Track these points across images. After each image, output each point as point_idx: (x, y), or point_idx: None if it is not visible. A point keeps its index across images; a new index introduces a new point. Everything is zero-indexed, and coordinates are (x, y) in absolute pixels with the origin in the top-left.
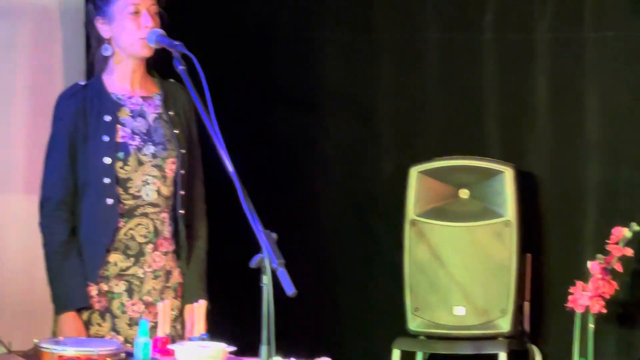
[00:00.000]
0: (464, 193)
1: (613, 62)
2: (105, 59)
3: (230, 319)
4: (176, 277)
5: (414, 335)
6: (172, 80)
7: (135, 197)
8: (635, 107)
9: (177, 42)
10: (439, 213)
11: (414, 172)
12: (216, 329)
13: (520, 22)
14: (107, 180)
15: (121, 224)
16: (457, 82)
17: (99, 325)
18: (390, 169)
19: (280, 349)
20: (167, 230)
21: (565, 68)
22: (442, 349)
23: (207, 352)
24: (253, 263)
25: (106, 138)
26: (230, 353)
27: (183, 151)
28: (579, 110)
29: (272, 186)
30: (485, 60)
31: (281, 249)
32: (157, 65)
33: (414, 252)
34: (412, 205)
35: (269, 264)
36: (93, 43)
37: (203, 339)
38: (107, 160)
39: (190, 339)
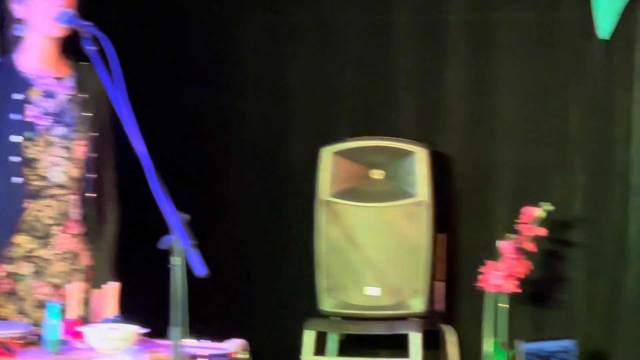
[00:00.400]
0: (377, 173)
1: (527, 44)
2: (18, 39)
3: (142, 301)
4: (85, 259)
5: (327, 316)
6: (84, 62)
7: (42, 178)
8: (548, 89)
9: (87, 23)
10: (352, 193)
11: (327, 153)
12: (127, 311)
13: (435, 3)
14: (14, 159)
15: (28, 204)
16: (371, 63)
17: (5, 307)
18: (304, 149)
19: (192, 331)
20: (75, 213)
21: (479, 49)
22: (355, 329)
23: (118, 334)
24: (163, 244)
25: (15, 116)
26: (142, 335)
27: (94, 134)
28: (492, 91)
29: (185, 167)
30: (399, 41)
31: (194, 230)
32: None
33: (327, 233)
34: (325, 185)
35: (179, 245)
36: (6, 22)
37: (114, 321)
38: (16, 138)
39: (101, 321)
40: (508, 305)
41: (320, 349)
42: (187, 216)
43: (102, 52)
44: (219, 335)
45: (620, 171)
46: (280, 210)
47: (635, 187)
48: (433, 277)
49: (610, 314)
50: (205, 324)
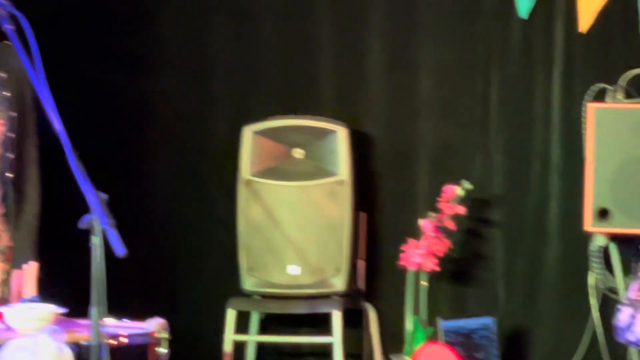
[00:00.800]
0: (298, 152)
1: (447, 23)
2: None
3: (62, 281)
4: (5, 240)
5: (249, 295)
6: (5, 41)
7: None
8: (467, 67)
9: (4, 2)
10: (273, 173)
11: (248, 132)
12: (47, 292)
13: None
14: None
15: None
16: (291, 42)
17: None
18: (225, 128)
19: (113, 310)
20: None
21: (399, 28)
22: (276, 308)
23: (36, 314)
24: (82, 224)
25: None
26: (61, 315)
27: (13, 114)
28: (412, 70)
29: (106, 146)
30: (320, 21)
31: (115, 210)
32: None
33: (249, 212)
34: (246, 165)
35: (99, 224)
36: None
37: (33, 301)
38: None
39: (20, 302)
40: (428, 284)
41: (243, 327)
42: (105, 196)
43: (20, 31)
44: (140, 314)
45: (540, 150)
46: (203, 189)
47: (555, 166)
48: (354, 256)
49: (529, 292)
50: (126, 304)
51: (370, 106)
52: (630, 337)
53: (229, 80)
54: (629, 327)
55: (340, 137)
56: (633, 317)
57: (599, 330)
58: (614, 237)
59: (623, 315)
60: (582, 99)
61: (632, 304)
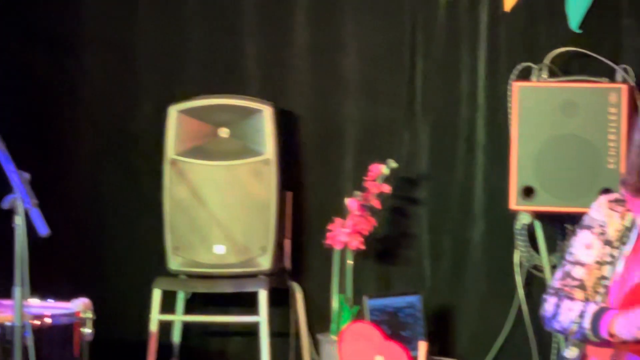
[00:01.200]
0: (223, 132)
1: (372, 1)
2: None
3: None
4: None
5: (175, 275)
6: None
7: None
8: (393, 47)
9: None
10: (198, 152)
11: (173, 111)
12: None
13: None
14: None
15: None
16: (216, 21)
17: None
18: (150, 108)
19: (37, 291)
20: None
21: (324, 7)
22: (203, 287)
23: None
24: (5, 204)
25: None
26: None
27: None
28: (338, 49)
29: (29, 126)
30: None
31: (38, 190)
32: None
33: (174, 191)
34: (171, 144)
35: (22, 204)
36: None
37: None
38: None
39: None
40: (354, 262)
41: (170, 307)
42: (28, 175)
43: None
44: (66, 294)
45: (465, 129)
46: (128, 169)
47: (480, 144)
48: (280, 235)
49: (455, 270)
50: (51, 284)
51: (296, 85)
52: (557, 326)
53: (153, 59)
54: (554, 316)
55: (266, 116)
56: (558, 306)
57: (524, 307)
58: (539, 215)
59: (548, 305)
60: (507, 78)
61: (557, 292)
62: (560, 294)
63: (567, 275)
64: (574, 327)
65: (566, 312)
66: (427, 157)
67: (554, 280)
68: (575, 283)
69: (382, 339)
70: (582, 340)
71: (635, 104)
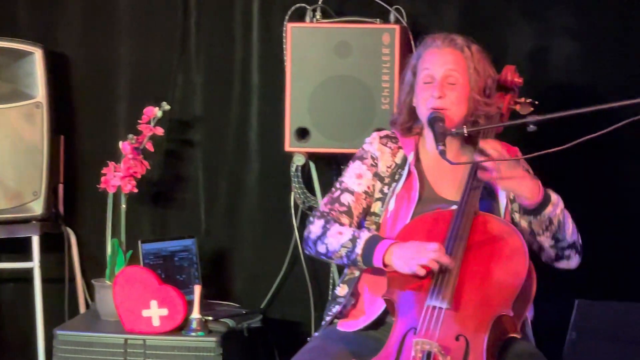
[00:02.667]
0: None
1: None
2: None
3: None
4: None
5: None
6: None
7: None
8: None
9: None
10: None
11: None
12: None
13: None
14: None
15: None
16: None
17: None
18: None
19: None
20: None
21: None
22: None
23: None
24: None
25: None
26: None
27: None
28: None
29: None
30: None
31: None
32: None
33: None
34: None
35: None
36: None
37: None
38: None
39: None
40: (127, 206)
41: None
42: None
43: None
44: None
45: (240, 71)
46: None
47: (255, 86)
48: (53, 180)
49: (231, 212)
50: None
51: (67, 26)
52: (321, 248)
53: None
54: (320, 237)
55: (37, 59)
56: (326, 228)
57: (301, 248)
58: (314, 157)
59: (314, 227)
60: (282, 19)
61: (323, 215)
62: (329, 218)
63: (336, 200)
64: (343, 251)
65: (335, 235)
66: (202, 99)
67: (322, 205)
68: (343, 209)
69: (157, 283)
70: (347, 265)
71: (409, 44)
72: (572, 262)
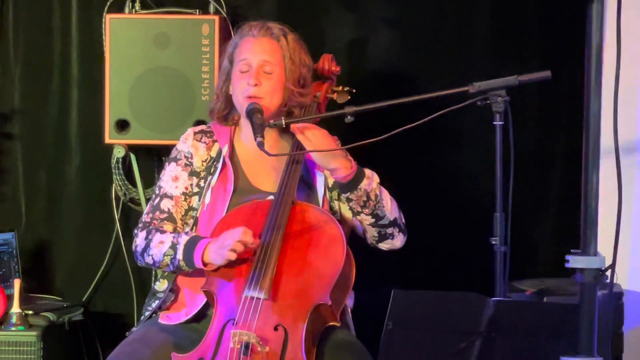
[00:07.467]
0: None
1: None
2: None
3: None
4: None
5: None
6: None
7: None
8: None
9: None
10: None
11: None
12: None
13: None
14: None
15: None
16: None
17: None
18: None
19: None
20: None
21: None
22: None
23: None
24: None
25: None
26: None
27: None
28: None
29: None
30: None
31: None
32: None
33: None
34: None
35: None
36: None
37: None
38: None
39: None
40: None
41: None
42: None
43: None
44: None
45: (59, 63)
46: None
47: (75, 78)
48: None
49: (51, 205)
50: None
51: None
52: (149, 260)
53: None
54: (145, 249)
55: None
56: (149, 240)
57: (122, 241)
58: (135, 149)
59: (139, 240)
60: (102, 11)
61: (146, 226)
62: (150, 228)
63: (156, 208)
64: (167, 260)
65: (157, 246)
66: (20, 91)
67: (144, 215)
68: (164, 216)
69: None
70: (175, 272)
71: (229, 35)
72: (397, 241)
